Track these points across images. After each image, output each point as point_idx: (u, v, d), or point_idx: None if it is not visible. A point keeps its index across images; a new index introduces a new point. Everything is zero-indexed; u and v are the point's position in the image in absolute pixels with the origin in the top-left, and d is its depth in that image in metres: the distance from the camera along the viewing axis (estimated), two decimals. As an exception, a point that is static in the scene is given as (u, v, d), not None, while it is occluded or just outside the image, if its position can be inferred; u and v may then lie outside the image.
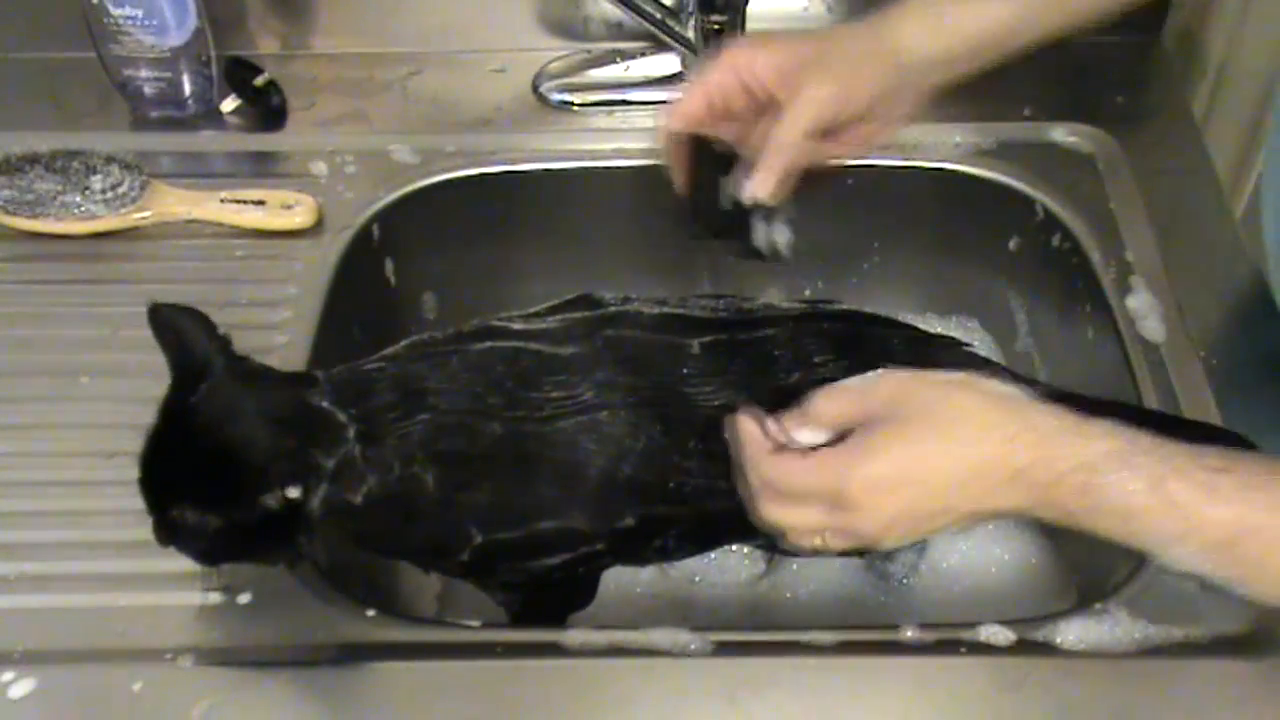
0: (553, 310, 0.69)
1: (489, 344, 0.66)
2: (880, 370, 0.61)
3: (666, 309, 0.68)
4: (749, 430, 0.60)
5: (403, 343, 0.68)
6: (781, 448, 0.59)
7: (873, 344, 0.68)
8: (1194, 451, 0.56)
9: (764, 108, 0.71)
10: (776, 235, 0.75)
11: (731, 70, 0.70)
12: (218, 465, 0.60)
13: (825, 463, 0.58)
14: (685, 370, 0.65)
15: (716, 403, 0.64)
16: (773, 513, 0.60)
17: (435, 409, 0.63)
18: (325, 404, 0.62)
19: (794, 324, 0.68)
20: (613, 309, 0.68)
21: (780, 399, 0.62)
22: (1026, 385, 0.69)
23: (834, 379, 0.61)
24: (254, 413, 0.61)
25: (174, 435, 0.61)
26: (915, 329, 0.72)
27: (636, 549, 0.69)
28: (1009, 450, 0.56)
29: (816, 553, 0.60)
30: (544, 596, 0.70)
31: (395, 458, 0.62)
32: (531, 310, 0.69)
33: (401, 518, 0.64)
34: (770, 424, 0.60)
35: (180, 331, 0.63)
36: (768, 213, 0.74)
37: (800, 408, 0.60)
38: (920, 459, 0.57)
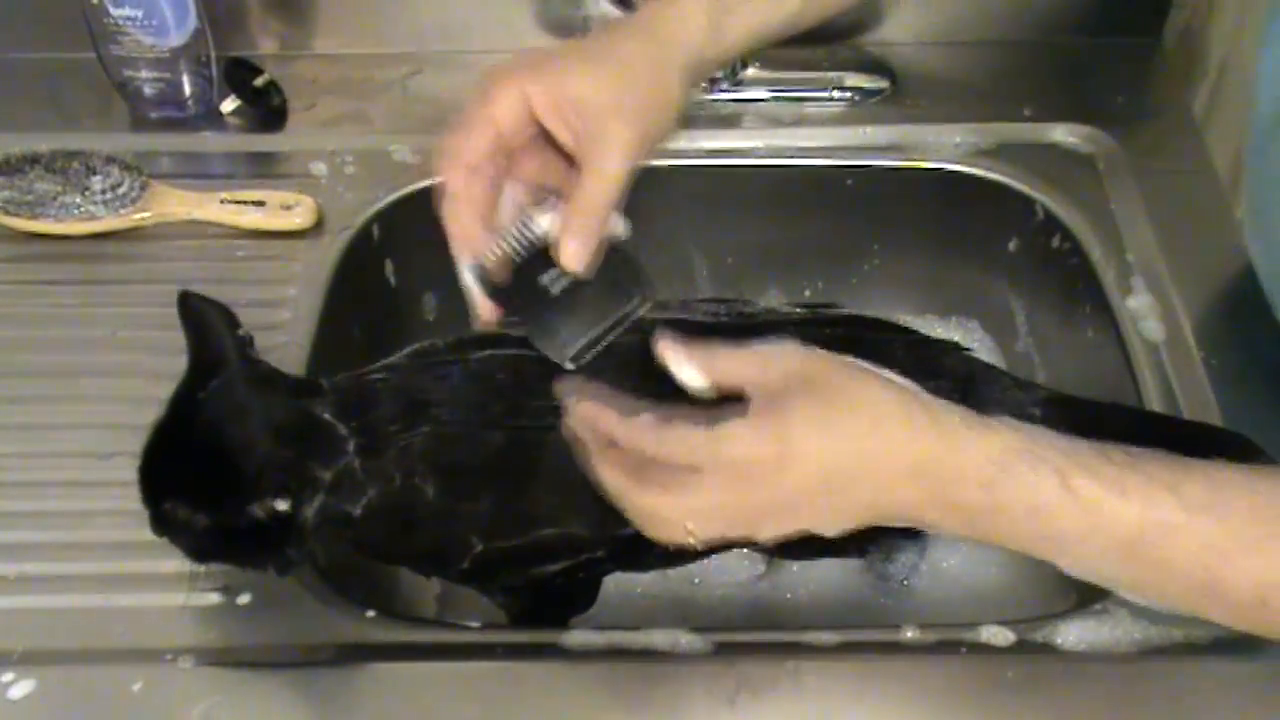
0: None
1: (490, 351, 0.66)
2: (785, 341, 0.57)
3: (667, 314, 0.68)
4: (605, 412, 0.56)
5: (405, 351, 0.67)
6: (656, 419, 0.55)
7: (874, 349, 0.68)
8: (1100, 448, 0.53)
9: (541, 147, 0.63)
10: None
11: (507, 109, 0.61)
12: (212, 466, 0.60)
13: (736, 432, 0.53)
14: None
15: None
16: (657, 504, 0.55)
17: (436, 420, 0.63)
18: (327, 415, 0.62)
19: (795, 329, 0.68)
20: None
21: None
22: (1027, 390, 0.69)
23: None
24: (255, 419, 0.61)
25: (176, 429, 0.61)
26: (915, 333, 0.72)
27: (638, 555, 0.69)
28: (909, 438, 0.53)
29: (680, 547, 0.56)
30: (545, 600, 0.70)
31: (396, 469, 0.62)
32: None
33: (401, 528, 0.64)
34: (622, 400, 0.57)
35: (204, 324, 0.63)
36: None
37: (688, 346, 0.57)
38: (830, 437, 0.53)
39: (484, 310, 0.63)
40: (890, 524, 0.56)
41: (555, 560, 0.66)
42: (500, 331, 0.64)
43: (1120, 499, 0.52)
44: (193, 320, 0.64)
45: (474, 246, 0.62)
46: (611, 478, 0.56)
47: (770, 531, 0.55)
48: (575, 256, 0.60)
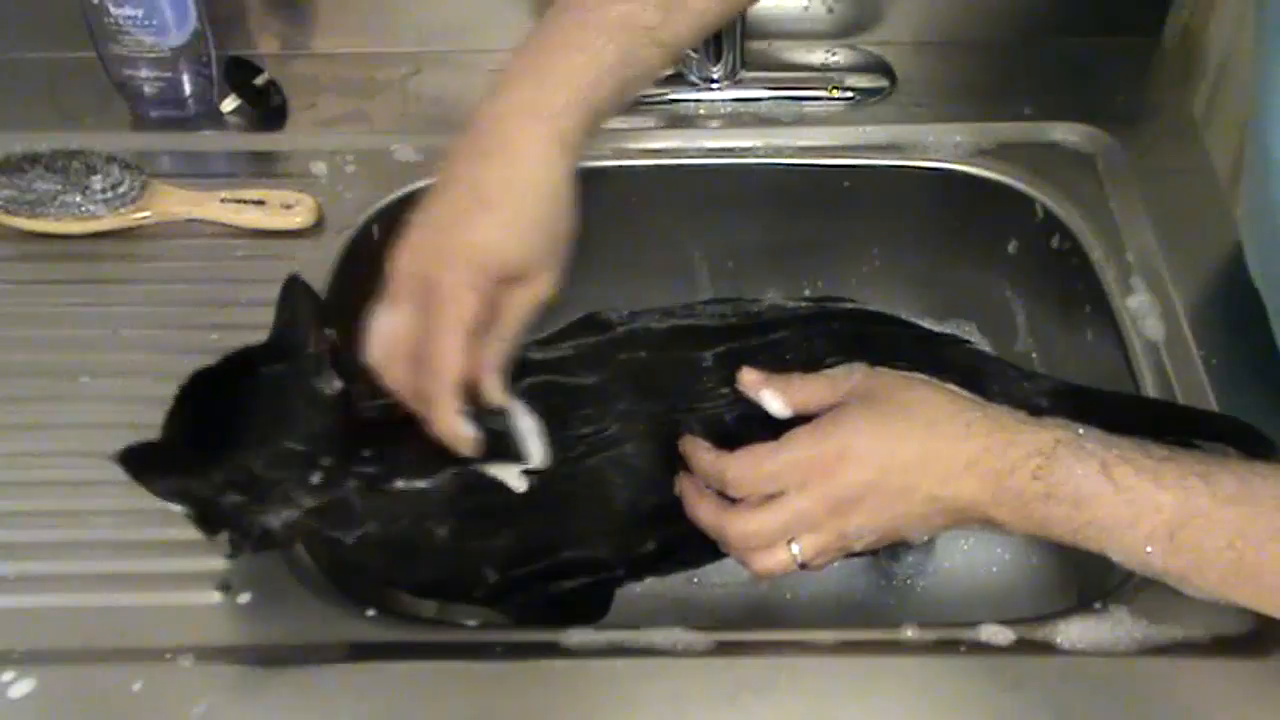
0: (563, 335, 0.68)
1: (526, 381, 0.64)
2: (854, 364, 0.63)
3: (675, 321, 0.68)
4: (699, 445, 0.62)
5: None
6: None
7: (880, 342, 0.68)
8: (1140, 442, 0.58)
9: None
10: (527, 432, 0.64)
11: (468, 307, 0.60)
12: (210, 438, 0.60)
13: (799, 436, 0.60)
14: (701, 386, 0.65)
15: (734, 414, 0.64)
16: (745, 522, 0.60)
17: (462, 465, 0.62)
18: (343, 437, 0.61)
19: (803, 325, 0.68)
20: (622, 330, 0.68)
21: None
22: (1032, 380, 0.69)
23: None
24: (266, 422, 0.60)
25: (209, 384, 0.62)
26: (920, 327, 0.72)
27: (656, 568, 0.69)
28: (964, 434, 0.59)
29: (786, 570, 0.61)
30: (556, 613, 0.70)
31: (407, 511, 0.62)
32: (542, 336, 0.68)
33: (403, 559, 0.64)
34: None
35: (295, 315, 0.63)
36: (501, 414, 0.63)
37: (767, 376, 0.63)
38: (885, 436, 0.59)
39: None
40: (957, 522, 0.60)
41: (572, 578, 0.66)
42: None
43: (1158, 488, 0.56)
44: (287, 306, 0.64)
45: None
46: (706, 515, 0.62)
47: (856, 529, 0.60)
48: (497, 386, 0.61)
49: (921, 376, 0.63)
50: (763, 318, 0.68)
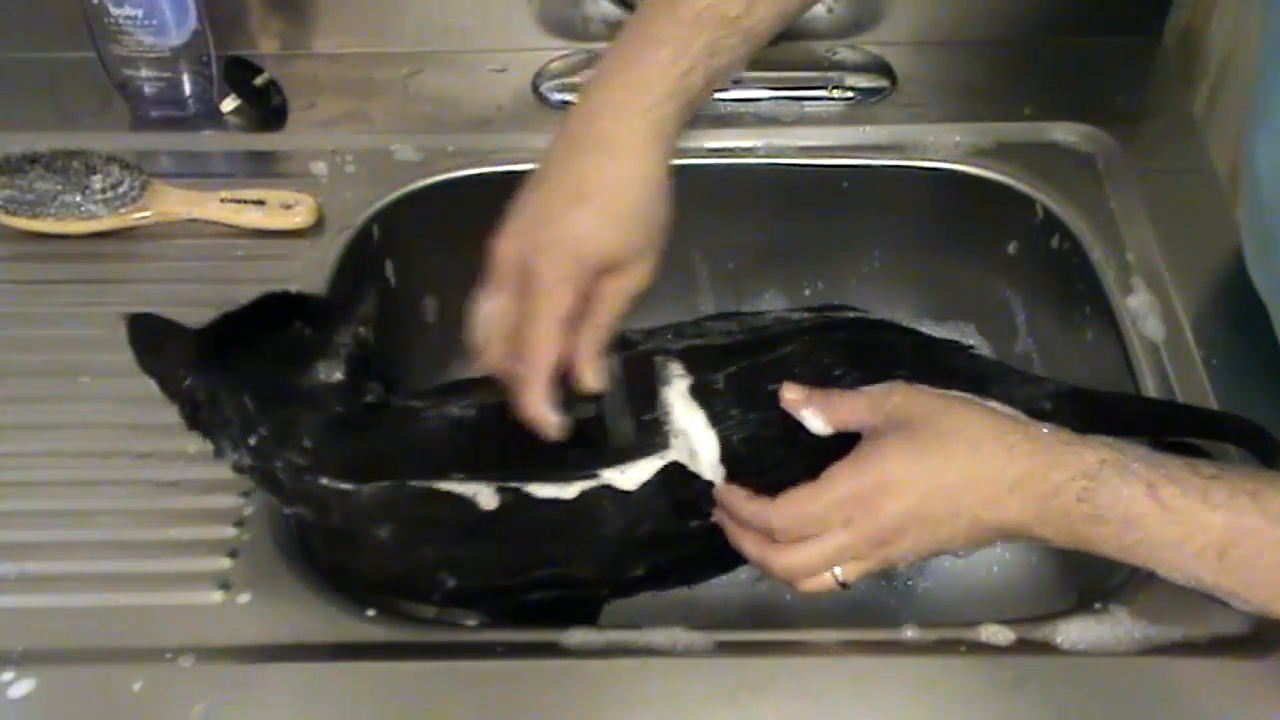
0: None
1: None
2: (894, 383, 0.62)
3: (686, 341, 0.68)
4: (738, 495, 0.62)
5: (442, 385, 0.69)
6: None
7: (884, 351, 0.68)
8: (1188, 461, 0.58)
9: None
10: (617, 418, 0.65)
11: (563, 299, 0.61)
12: (214, 351, 0.62)
13: (838, 474, 0.59)
14: (713, 408, 0.64)
15: (741, 435, 0.64)
16: (790, 557, 0.61)
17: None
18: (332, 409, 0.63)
19: (810, 337, 0.68)
20: (641, 349, 0.68)
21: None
22: (1035, 384, 0.69)
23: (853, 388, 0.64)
24: (255, 367, 0.62)
25: (257, 310, 0.64)
26: (921, 334, 0.72)
27: (646, 587, 0.68)
28: (1007, 457, 0.58)
29: (830, 590, 0.61)
30: (534, 619, 0.70)
31: (339, 507, 0.62)
32: None
33: (341, 549, 0.65)
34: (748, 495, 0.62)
35: (353, 299, 0.65)
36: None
37: (809, 394, 0.63)
38: (926, 463, 0.59)
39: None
40: (1001, 539, 0.60)
41: (548, 590, 0.65)
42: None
43: (1207, 508, 0.56)
44: (355, 293, 0.66)
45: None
46: (751, 550, 0.62)
47: (900, 554, 0.60)
48: (600, 371, 0.63)
49: (961, 395, 0.62)
50: (769, 332, 0.68)
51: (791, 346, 0.67)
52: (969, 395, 0.63)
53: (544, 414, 0.61)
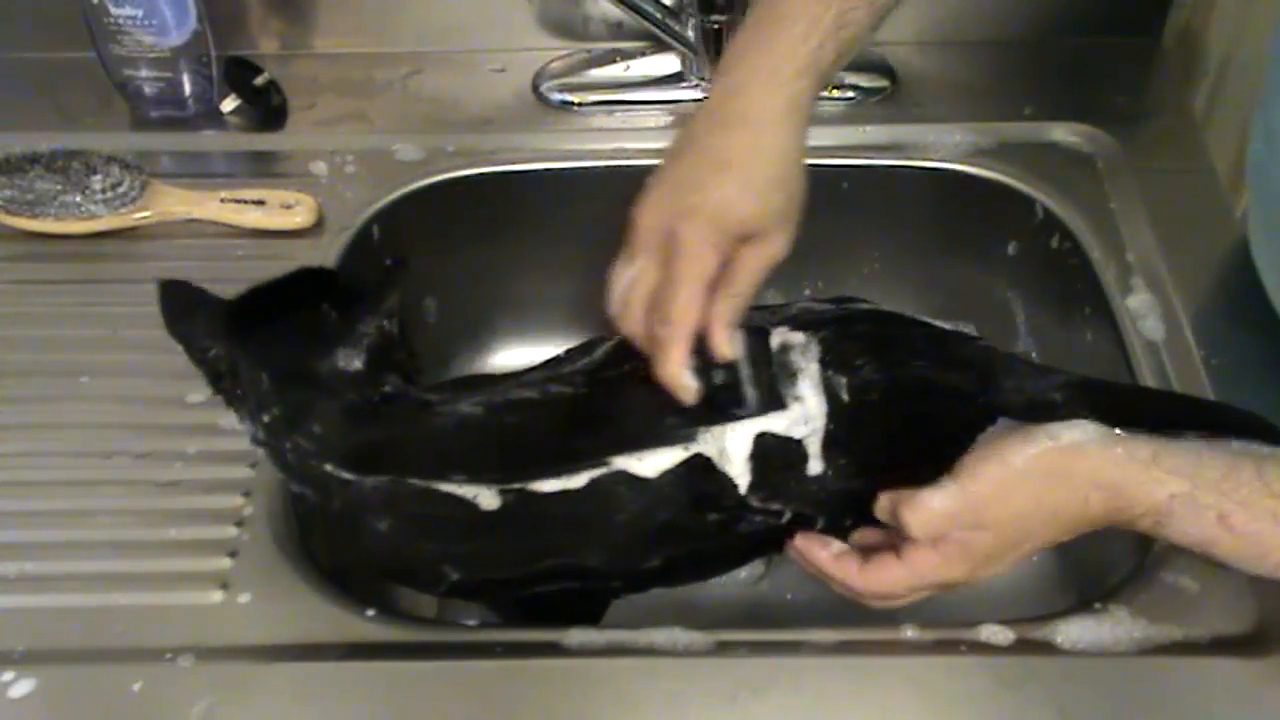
0: (606, 356, 0.68)
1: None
2: (970, 466, 0.60)
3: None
4: (821, 555, 0.63)
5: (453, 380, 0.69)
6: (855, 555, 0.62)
7: (899, 344, 0.68)
8: (1264, 478, 0.57)
9: None
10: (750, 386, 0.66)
11: (708, 264, 0.63)
12: (241, 322, 0.62)
13: (920, 563, 0.60)
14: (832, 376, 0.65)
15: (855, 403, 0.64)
16: (872, 602, 0.63)
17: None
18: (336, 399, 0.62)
19: (832, 327, 0.67)
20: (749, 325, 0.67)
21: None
22: (1045, 375, 0.69)
23: (870, 382, 0.64)
24: (278, 344, 0.62)
25: (290, 286, 0.64)
26: (933, 326, 0.72)
27: (658, 582, 0.68)
28: (1083, 509, 0.59)
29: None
30: (541, 614, 0.70)
31: (339, 495, 0.62)
32: (589, 361, 0.68)
33: (343, 535, 0.64)
34: (832, 544, 0.63)
35: (387, 291, 0.65)
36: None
37: (895, 497, 0.61)
38: (1007, 536, 0.60)
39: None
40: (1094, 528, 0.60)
41: (556, 582, 0.65)
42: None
43: (1278, 529, 0.56)
44: (390, 282, 0.67)
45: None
46: (840, 588, 0.63)
47: (978, 580, 0.61)
48: (732, 339, 0.64)
49: (1040, 467, 0.60)
50: (801, 320, 0.68)
51: (825, 332, 0.67)
52: (1045, 464, 0.60)
53: (680, 378, 0.62)
